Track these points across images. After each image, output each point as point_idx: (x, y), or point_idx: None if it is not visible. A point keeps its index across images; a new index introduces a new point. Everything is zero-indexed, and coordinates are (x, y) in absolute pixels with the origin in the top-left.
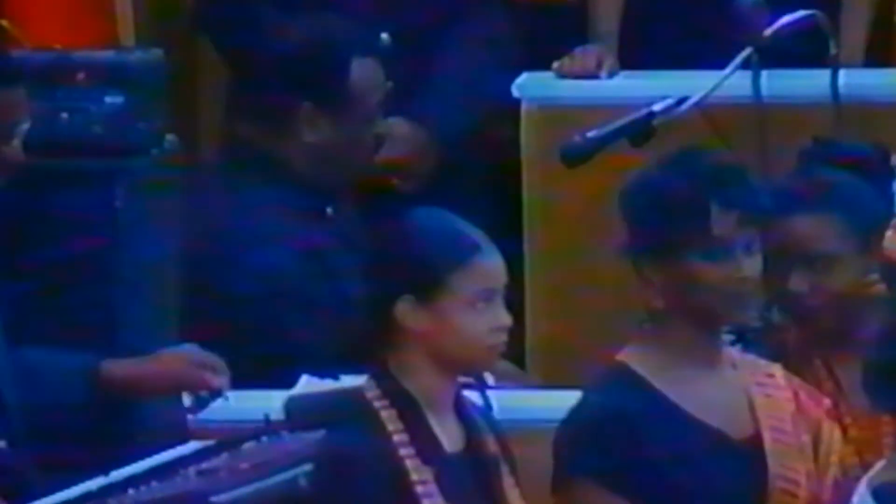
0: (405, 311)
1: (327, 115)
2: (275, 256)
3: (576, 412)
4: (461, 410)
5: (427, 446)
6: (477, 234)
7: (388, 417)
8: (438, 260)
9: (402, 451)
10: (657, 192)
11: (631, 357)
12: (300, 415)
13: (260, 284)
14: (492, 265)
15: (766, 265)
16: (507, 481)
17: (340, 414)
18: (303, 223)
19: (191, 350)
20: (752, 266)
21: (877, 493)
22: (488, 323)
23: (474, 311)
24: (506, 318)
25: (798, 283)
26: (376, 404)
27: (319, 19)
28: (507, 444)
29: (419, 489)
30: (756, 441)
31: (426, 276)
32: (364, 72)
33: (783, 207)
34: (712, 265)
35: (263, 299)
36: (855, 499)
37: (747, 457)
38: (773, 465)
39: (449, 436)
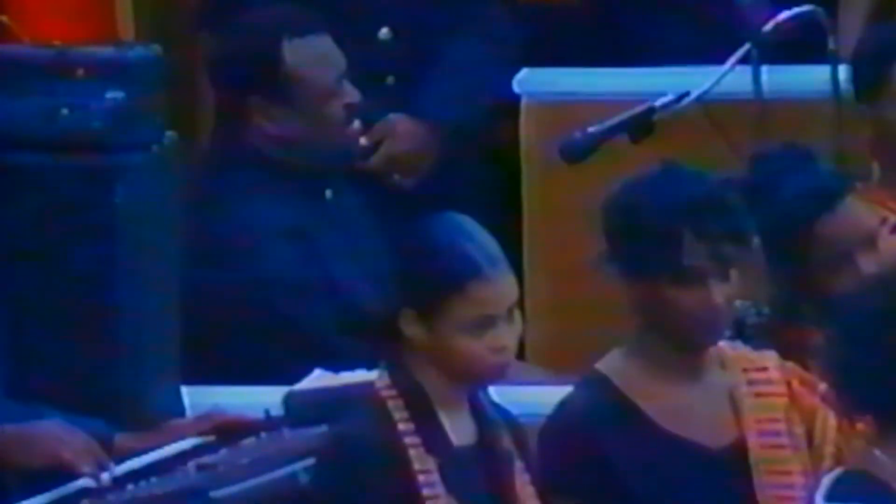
0: (407, 322)
1: (278, 104)
2: (269, 242)
3: (550, 420)
4: (476, 405)
5: (433, 438)
6: (485, 254)
7: (395, 407)
8: (435, 283)
9: (407, 441)
10: (631, 215)
11: (610, 367)
12: (300, 410)
13: (255, 272)
14: (491, 291)
15: (791, 266)
16: (521, 478)
17: (345, 405)
18: (299, 208)
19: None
20: (725, 293)
21: (830, 494)
22: (487, 344)
23: (471, 334)
24: (506, 340)
25: (868, 265)
26: (384, 394)
27: (248, 9)
28: (526, 441)
29: (421, 479)
30: (740, 448)
31: (424, 297)
32: (301, 53)
33: (825, 198)
34: (683, 292)
35: (259, 286)
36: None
37: (728, 466)
38: (758, 473)
39: (459, 430)
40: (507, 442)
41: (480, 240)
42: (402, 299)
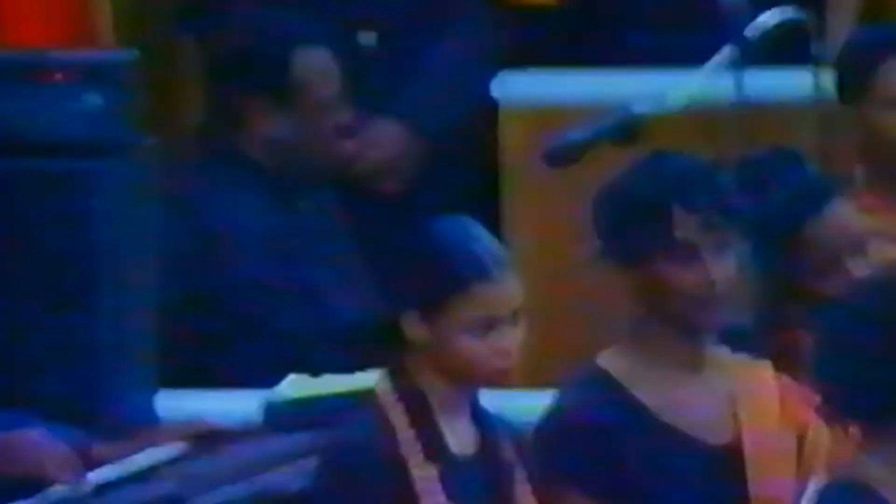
0: (410, 324)
1: (277, 108)
2: (242, 251)
3: (549, 415)
4: (477, 415)
5: (433, 444)
6: (490, 256)
7: (395, 413)
8: (439, 283)
9: (406, 447)
10: (620, 198)
11: (609, 360)
12: (279, 417)
13: (228, 280)
14: (495, 292)
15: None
16: (522, 488)
17: (326, 412)
18: (273, 217)
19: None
20: (722, 268)
21: (819, 499)
22: (490, 346)
23: (474, 335)
24: (509, 343)
25: (856, 268)
26: (385, 399)
27: (260, 13)
28: (527, 451)
29: (421, 485)
30: (736, 447)
31: (428, 297)
32: (310, 62)
33: (813, 201)
34: (679, 269)
35: (233, 294)
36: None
37: (725, 463)
38: (752, 473)
39: (460, 438)
40: (508, 451)
41: (485, 242)
42: (405, 300)
